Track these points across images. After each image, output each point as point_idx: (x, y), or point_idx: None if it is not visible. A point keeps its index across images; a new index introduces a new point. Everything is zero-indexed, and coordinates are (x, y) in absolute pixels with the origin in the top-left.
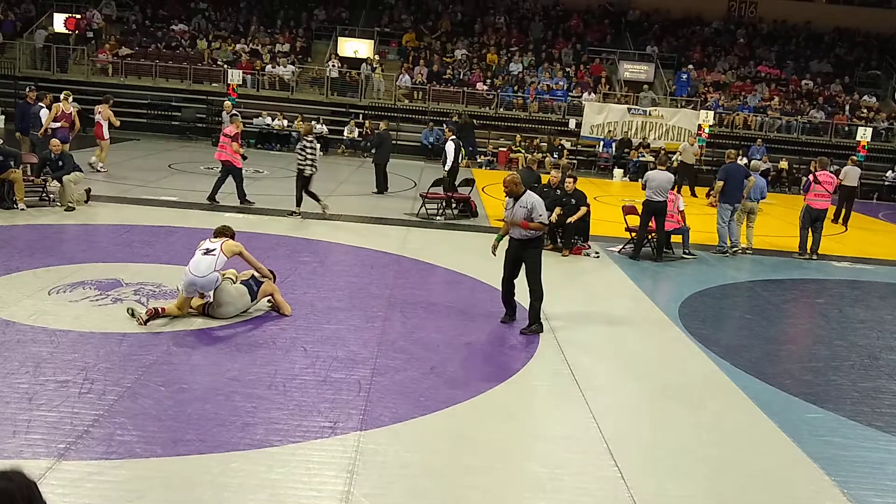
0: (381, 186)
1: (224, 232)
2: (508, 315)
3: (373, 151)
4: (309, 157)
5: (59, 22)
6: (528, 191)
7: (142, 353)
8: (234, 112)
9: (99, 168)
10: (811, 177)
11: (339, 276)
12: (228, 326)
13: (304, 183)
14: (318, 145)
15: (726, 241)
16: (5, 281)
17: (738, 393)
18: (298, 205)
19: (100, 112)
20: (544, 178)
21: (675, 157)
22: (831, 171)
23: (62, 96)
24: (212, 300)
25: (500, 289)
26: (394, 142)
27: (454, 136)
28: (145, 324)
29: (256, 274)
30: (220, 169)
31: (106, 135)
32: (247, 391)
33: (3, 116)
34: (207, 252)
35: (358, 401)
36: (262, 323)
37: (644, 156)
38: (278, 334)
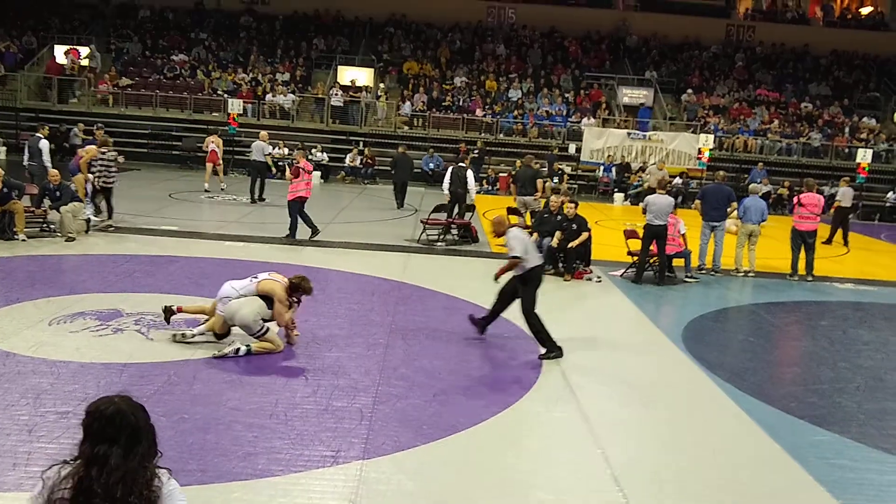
0: (399, 203)
1: (293, 281)
2: (482, 324)
3: (392, 172)
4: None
5: (60, 54)
6: (511, 229)
7: (143, 383)
8: (301, 146)
9: (209, 190)
10: (795, 199)
11: (340, 304)
12: (230, 357)
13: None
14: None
15: (705, 260)
16: (6, 312)
17: (742, 416)
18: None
19: (213, 141)
20: (542, 202)
21: (644, 180)
22: (820, 192)
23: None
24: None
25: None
26: (412, 172)
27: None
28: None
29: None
30: (290, 204)
31: (220, 160)
32: (248, 421)
33: (4, 148)
34: (253, 277)
35: (360, 429)
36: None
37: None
38: (279, 363)
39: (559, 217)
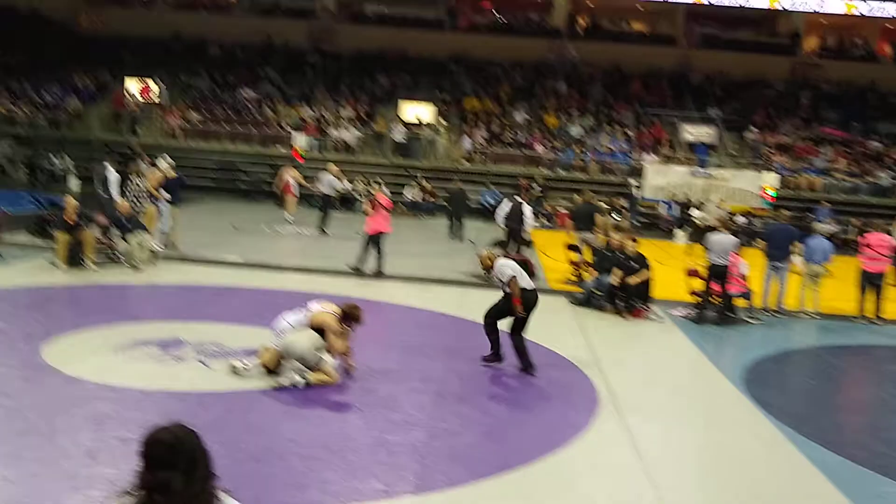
0: (454, 233)
1: (345, 310)
2: (494, 355)
3: (447, 206)
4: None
5: (132, 89)
6: (500, 259)
7: (201, 411)
8: (377, 181)
9: (289, 220)
10: (862, 239)
11: (397, 337)
12: (285, 388)
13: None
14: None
15: (768, 300)
16: (72, 338)
17: (804, 462)
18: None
19: (289, 173)
20: (601, 239)
21: (701, 217)
22: (888, 232)
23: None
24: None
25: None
26: (466, 205)
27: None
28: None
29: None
30: (369, 238)
31: (295, 192)
32: (302, 452)
33: (79, 181)
34: (305, 309)
35: (412, 464)
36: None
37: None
38: (334, 395)
39: (619, 254)
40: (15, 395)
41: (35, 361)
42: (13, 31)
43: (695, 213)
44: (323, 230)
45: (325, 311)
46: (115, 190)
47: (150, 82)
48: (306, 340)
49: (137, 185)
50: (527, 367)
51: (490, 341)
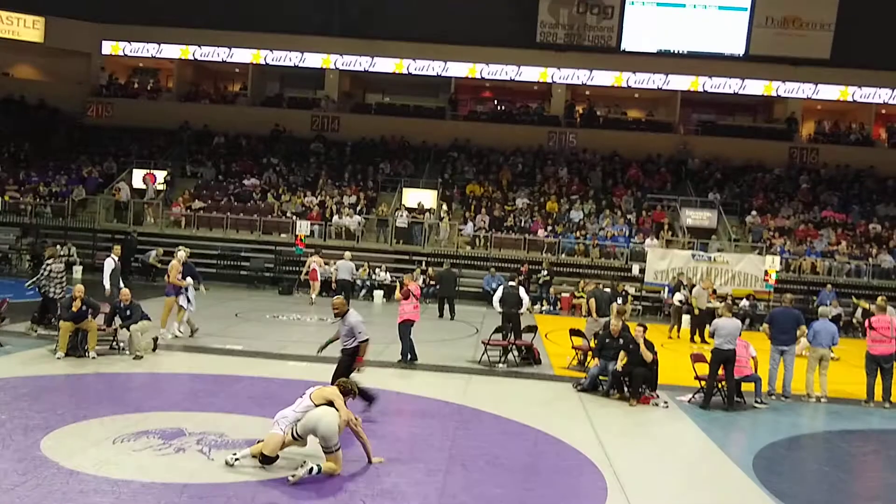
0: (445, 314)
1: (339, 385)
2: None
3: (437, 287)
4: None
5: (137, 178)
6: (350, 311)
7: None
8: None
9: (312, 302)
10: (867, 322)
11: (400, 427)
12: (287, 476)
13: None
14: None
15: (774, 384)
16: (73, 429)
17: None
18: None
19: (314, 261)
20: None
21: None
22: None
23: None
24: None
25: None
26: (456, 288)
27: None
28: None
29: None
30: (401, 328)
31: (320, 277)
32: None
33: (80, 267)
34: (302, 395)
35: None
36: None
37: (711, 302)
38: (337, 486)
39: (621, 341)
40: (12, 489)
41: (34, 454)
42: (22, 121)
43: (677, 295)
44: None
45: (325, 387)
46: (107, 279)
47: (156, 171)
48: (332, 417)
49: (51, 269)
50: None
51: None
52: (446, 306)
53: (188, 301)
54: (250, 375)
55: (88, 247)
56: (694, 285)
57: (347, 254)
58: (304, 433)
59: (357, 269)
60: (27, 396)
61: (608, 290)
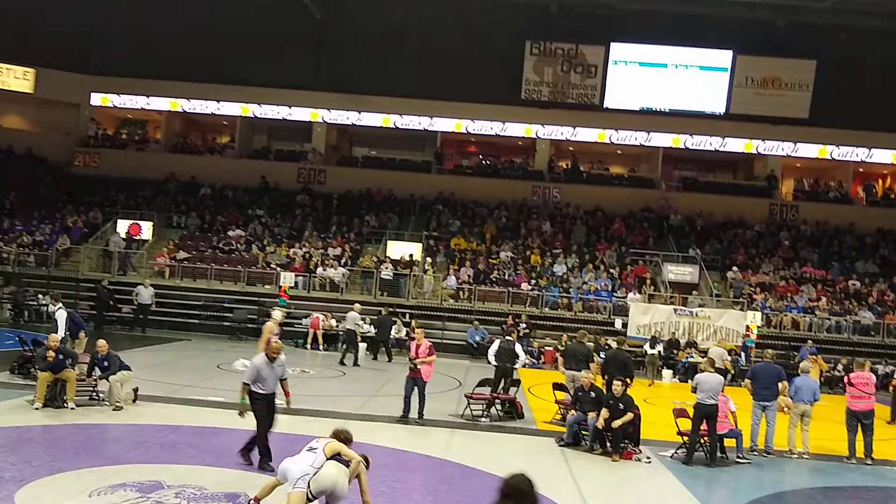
0: (376, 356)
1: (338, 435)
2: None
3: (375, 331)
4: None
5: (122, 228)
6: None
7: None
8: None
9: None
10: (846, 379)
11: (382, 482)
12: None
13: None
14: None
15: (756, 440)
16: (48, 482)
17: None
18: None
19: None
20: (588, 379)
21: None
22: (874, 371)
23: None
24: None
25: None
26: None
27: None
28: None
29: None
30: (413, 382)
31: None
32: None
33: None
34: (311, 449)
35: None
36: None
37: (693, 356)
38: None
39: (592, 392)
40: None
41: None
42: (9, 171)
43: (657, 347)
44: (345, 363)
45: (333, 441)
46: (61, 328)
47: (141, 222)
48: (345, 478)
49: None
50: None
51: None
52: (382, 349)
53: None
54: (231, 428)
55: (71, 296)
56: (677, 340)
57: (357, 305)
58: (317, 493)
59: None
60: (2, 448)
61: (591, 343)
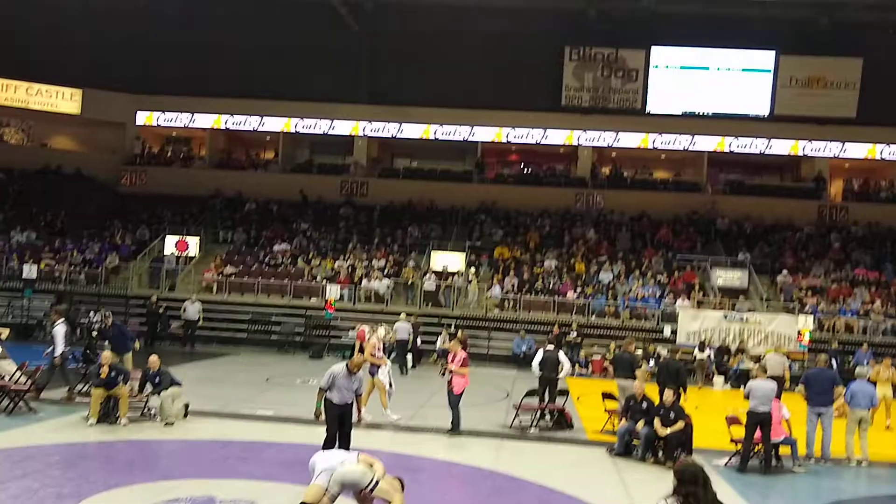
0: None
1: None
2: None
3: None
4: None
5: (170, 245)
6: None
7: None
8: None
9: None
10: None
11: (432, 495)
12: None
13: None
14: None
15: (812, 447)
16: (103, 498)
17: None
18: None
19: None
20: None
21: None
22: None
23: None
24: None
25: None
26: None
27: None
28: None
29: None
30: (451, 398)
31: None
32: None
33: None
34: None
35: None
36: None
37: (744, 362)
38: None
39: (644, 403)
40: None
41: None
42: (58, 190)
43: (706, 352)
44: (405, 371)
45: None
46: (59, 345)
47: (188, 238)
48: (371, 474)
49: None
50: None
51: None
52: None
53: (390, 385)
54: (280, 442)
55: (121, 313)
56: (727, 346)
57: (403, 314)
58: (339, 486)
59: (415, 330)
60: (59, 464)
61: (639, 350)
